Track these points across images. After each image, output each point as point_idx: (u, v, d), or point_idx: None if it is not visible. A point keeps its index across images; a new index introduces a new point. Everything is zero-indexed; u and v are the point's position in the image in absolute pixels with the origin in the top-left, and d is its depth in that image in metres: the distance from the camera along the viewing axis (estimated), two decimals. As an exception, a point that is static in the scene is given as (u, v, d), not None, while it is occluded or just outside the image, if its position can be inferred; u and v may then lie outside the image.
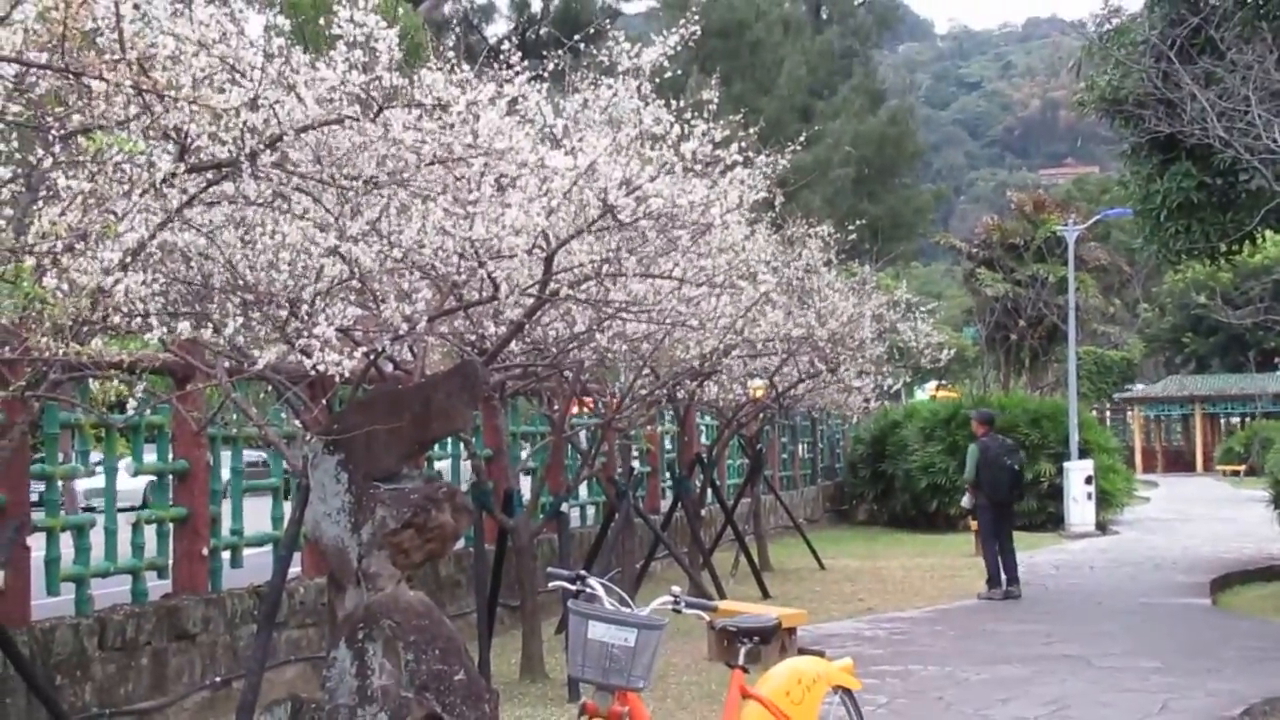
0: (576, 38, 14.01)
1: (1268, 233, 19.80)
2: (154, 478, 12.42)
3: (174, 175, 6.27)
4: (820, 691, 8.07)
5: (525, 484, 16.64)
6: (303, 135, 6.95)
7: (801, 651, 8.85)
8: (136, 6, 6.02)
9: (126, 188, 6.16)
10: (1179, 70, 13.15)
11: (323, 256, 8.54)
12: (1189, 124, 12.89)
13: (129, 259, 6.28)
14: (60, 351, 6.28)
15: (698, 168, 11.18)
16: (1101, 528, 31.49)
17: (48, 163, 5.93)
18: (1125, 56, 18.17)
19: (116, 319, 6.63)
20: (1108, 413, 68.05)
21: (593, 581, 7.35)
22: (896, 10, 63.94)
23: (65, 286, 5.36)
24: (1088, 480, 31.26)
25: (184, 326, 7.68)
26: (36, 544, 10.38)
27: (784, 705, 7.77)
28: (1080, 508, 30.98)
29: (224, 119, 6.30)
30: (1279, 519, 21.82)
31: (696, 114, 11.44)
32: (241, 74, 6.60)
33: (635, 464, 20.79)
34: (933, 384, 55.26)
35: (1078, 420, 32.66)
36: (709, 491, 21.95)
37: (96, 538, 11.21)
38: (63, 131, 5.48)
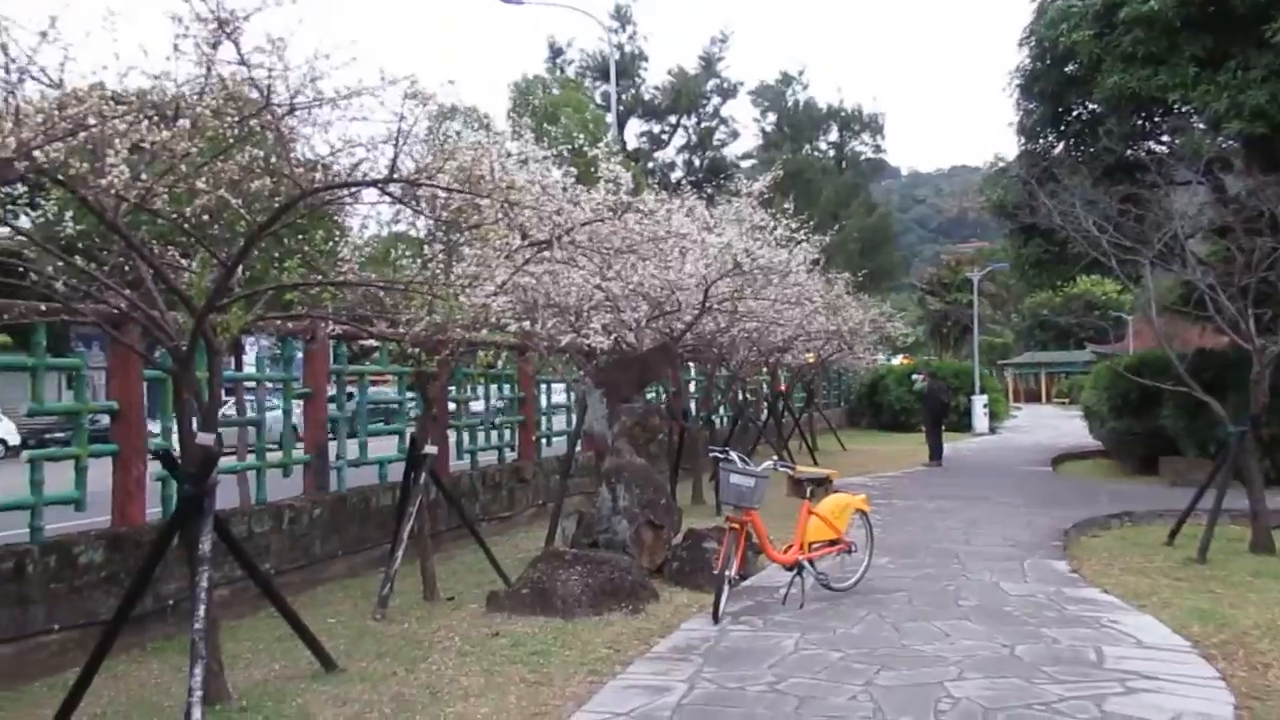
0: (721, 176, 13.99)
1: (1080, 276, 19.02)
2: (507, 401, 12.56)
3: (520, 248, 6.31)
4: (850, 512, 7.88)
5: (693, 405, 16.57)
6: (583, 227, 6.94)
7: (838, 491, 8.61)
8: (501, 164, 6.06)
9: (497, 254, 6.22)
10: (1036, 189, 12.54)
11: (593, 289, 8.55)
12: (1041, 218, 12.29)
13: (498, 290, 6.33)
14: (465, 336, 6.38)
15: (783, 243, 11.01)
16: (992, 431, 30.44)
17: (460, 240, 6.01)
18: (1006, 183, 17.42)
19: (492, 320, 6.71)
20: (994, 371, 65.48)
21: (731, 454, 7.27)
22: (881, 163, 61.94)
23: (468, 303, 5.41)
24: (985, 406, 30.56)
25: (524, 324, 7.75)
26: (451, 435, 10.59)
27: (831, 518, 7.62)
28: (981, 420, 30.14)
29: (544, 219, 6.32)
30: (1087, 427, 20.96)
31: (781, 215, 11.25)
32: (552, 196, 6.62)
33: (749, 395, 20.63)
34: (901, 355, 53.86)
35: (979, 374, 31.91)
36: (786, 410, 21.62)
37: (480, 432, 11.41)
38: (467, 225, 5.54)
